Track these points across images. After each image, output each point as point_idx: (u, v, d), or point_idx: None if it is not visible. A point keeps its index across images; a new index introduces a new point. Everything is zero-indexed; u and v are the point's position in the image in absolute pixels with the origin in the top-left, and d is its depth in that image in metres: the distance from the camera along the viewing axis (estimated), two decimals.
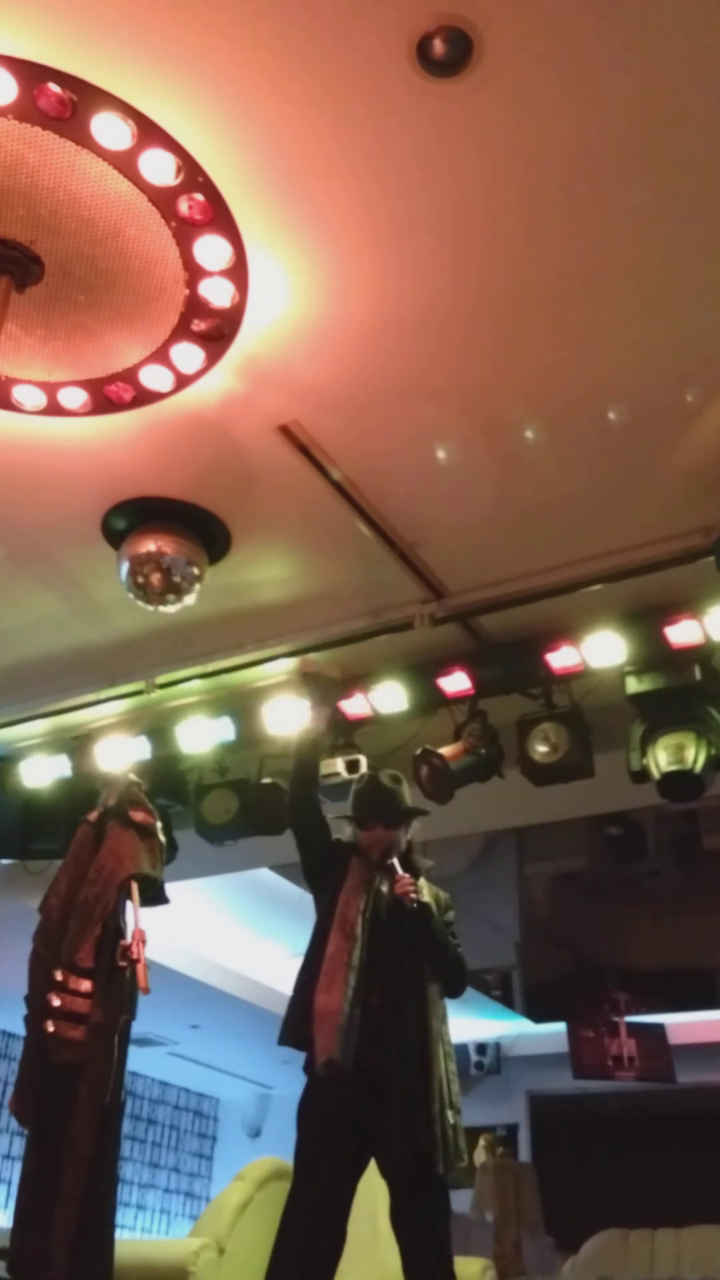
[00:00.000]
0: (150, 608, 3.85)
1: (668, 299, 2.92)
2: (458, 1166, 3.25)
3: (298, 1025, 3.29)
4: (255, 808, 4.77)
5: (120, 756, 4.86)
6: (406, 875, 3.43)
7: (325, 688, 3.85)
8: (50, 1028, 3.43)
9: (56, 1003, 3.45)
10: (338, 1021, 3.19)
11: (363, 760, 4.44)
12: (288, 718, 4.59)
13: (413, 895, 3.37)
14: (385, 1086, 3.18)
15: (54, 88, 2.41)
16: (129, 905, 3.60)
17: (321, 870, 3.60)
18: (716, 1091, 10.15)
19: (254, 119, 2.50)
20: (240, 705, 4.72)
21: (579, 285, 2.89)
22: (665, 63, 2.37)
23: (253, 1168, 4.53)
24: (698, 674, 4.05)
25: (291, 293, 2.92)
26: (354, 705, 4.51)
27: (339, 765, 4.46)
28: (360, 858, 3.54)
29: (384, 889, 3.47)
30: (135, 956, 3.42)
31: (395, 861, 3.46)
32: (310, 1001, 3.27)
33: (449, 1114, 3.24)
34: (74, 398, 3.27)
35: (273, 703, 4.61)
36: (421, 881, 3.51)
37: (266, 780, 4.80)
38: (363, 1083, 3.19)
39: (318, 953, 3.38)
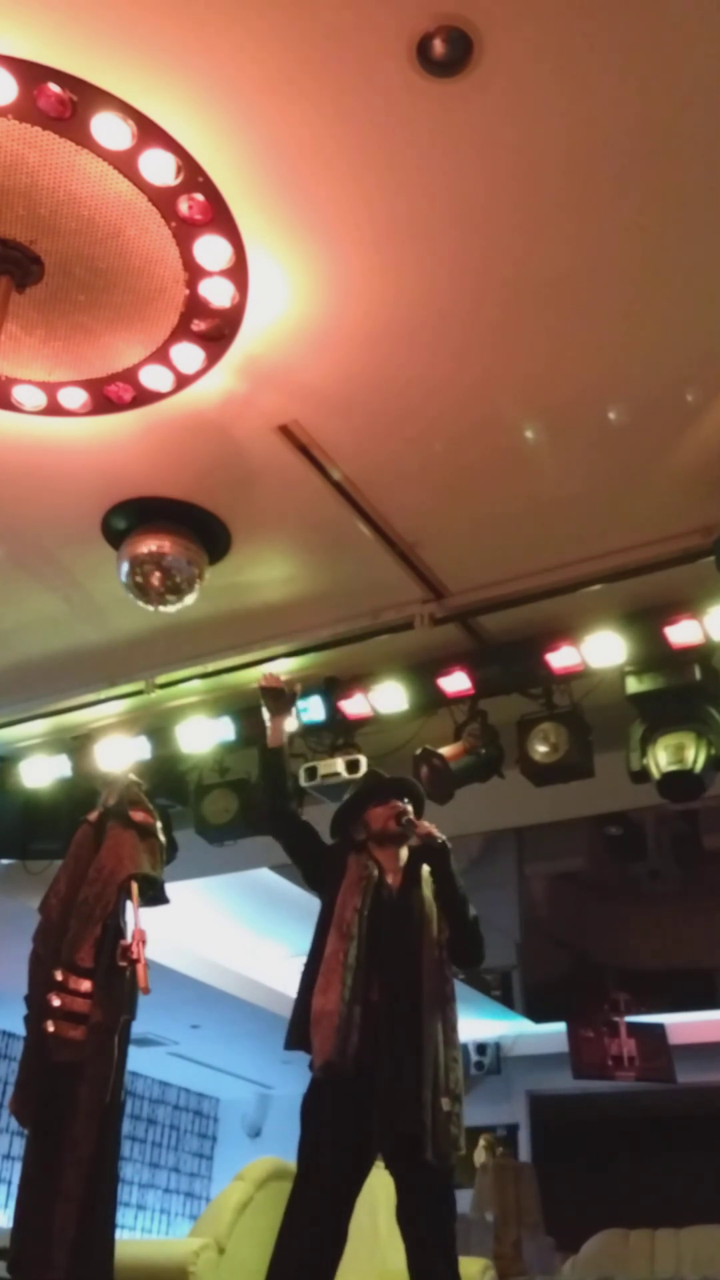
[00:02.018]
0: (150, 608, 3.86)
1: (667, 298, 2.93)
2: (453, 1155, 3.20)
3: (300, 1028, 3.29)
4: (255, 808, 4.77)
5: (120, 756, 4.86)
6: (426, 824, 3.48)
7: (283, 701, 3.73)
8: (50, 1027, 3.43)
9: (56, 1003, 3.45)
10: (334, 1023, 3.19)
11: (363, 760, 4.45)
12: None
13: (435, 832, 3.42)
14: (377, 1076, 3.17)
15: (54, 88, 2.42)
16: (129, 905, 3.59)
17: (320, 875, 3.60)
18: (716, 1091, 10.14)
19: (254, 119, 2.50)
20: (240, 705, 4.71)
21: (578, 284, 2.89)
22: (664, 63, 2.37)
23: (253, 1168, 4.52)
24: (698, 674, 4.05)
25: (291, 293, 2.92)
26: (354, 705, 4.51)
27: (339, 765, 4.47)
28: (359, 855, 3.52)
29: (389, 880, 3.46)
30: (135, 956, 3.41)
31: (410, 811, 3.51)
32: (309, 1004, 3.28)
33: (444, 1101, 3.20)
34: (74, 398, 3.28)
35: None
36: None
37: None
38: (364, 1079, 3.18)
39: (317, 954, 3.38)
